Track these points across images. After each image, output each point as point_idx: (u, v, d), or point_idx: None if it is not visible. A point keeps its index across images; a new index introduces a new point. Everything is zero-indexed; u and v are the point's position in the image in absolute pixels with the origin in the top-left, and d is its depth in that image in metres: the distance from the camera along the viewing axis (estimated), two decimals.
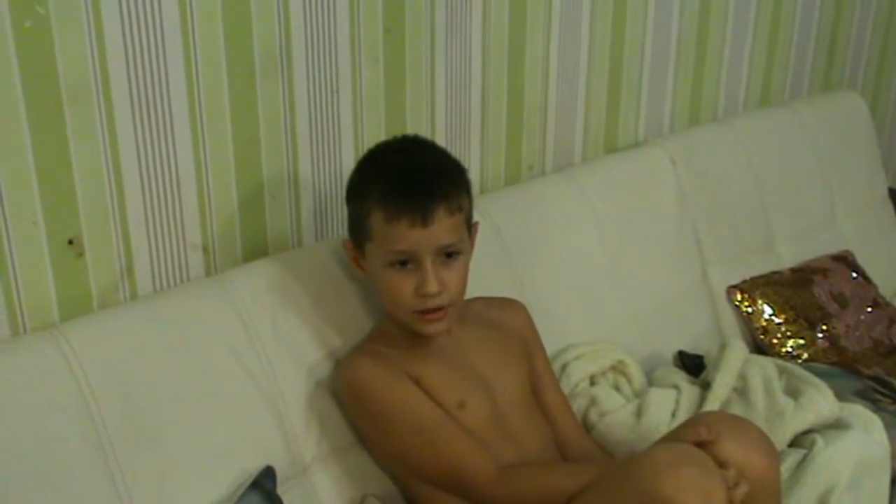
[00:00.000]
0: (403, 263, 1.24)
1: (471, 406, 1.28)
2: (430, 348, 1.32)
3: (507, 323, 1.43)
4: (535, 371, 1.42)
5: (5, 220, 1.19)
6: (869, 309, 1.96)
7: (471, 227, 1.32)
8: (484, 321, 1.40)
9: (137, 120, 1.26)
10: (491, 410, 1.31)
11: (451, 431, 1.25)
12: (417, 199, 1.21)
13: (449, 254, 1.25)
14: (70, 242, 1.25)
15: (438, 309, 1.26)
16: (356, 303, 1.41)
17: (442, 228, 1.23)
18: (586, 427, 1.49)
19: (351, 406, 1.32)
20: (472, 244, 1.32)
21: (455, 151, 1.66)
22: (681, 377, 1.59)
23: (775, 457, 1.20)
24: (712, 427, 1.17)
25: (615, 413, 1.47)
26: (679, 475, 1.06)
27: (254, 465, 1.25)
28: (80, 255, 1.26)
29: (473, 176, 1.73)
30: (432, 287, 1.23)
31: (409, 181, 1.24)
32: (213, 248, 1.40)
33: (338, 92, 1.47)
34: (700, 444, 1.15)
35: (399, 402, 1.26)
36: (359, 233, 1.29)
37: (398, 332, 1.32)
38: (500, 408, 1.32)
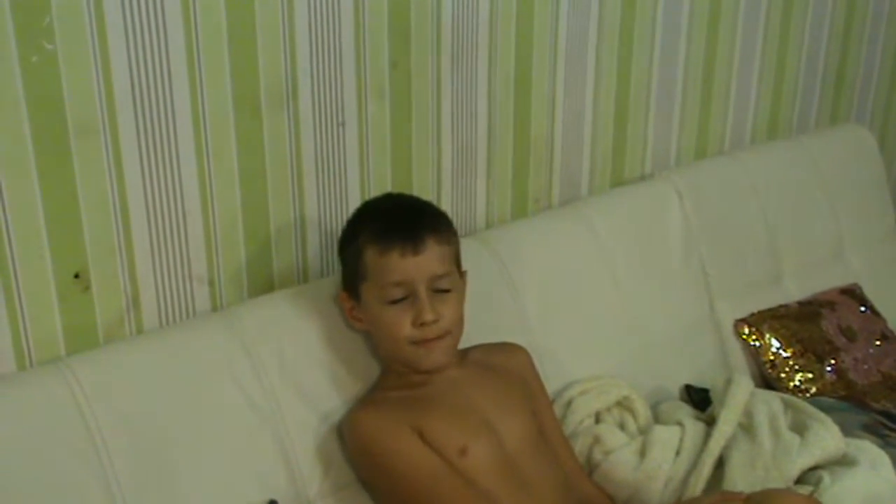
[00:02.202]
0: (399, 301, 1.28)
1: (474, 452, 1.28)
2: (432, 395, 1.33)
3: (509, 366, 1.43)
4: (538, 414, 1.42)
5: (12, 253, 1.19)
6: (877, 342, 1.95)
7: (461, 272, 1.36)
8: (485, 366, 1.41)
9: (144, 154, 1.27)
10: (498, 455, 1.30)
11: (451, 484, 1.25)
12: (407, 230, 1.28)
13: (441, 290, 1.29)
14: (76, 276, 1.25)
15: (437, 338, 1.29)
16: (361, 338, 1.41)
17: (433, 256, 1.28)
18: (590, 466, 1.48)
19: (356, 457, 1.33)
20: (462, 290, 1.35)
21: (461, 185, 1.68)
22: (686, 412, 1.58)
23: None
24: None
25: (619, 452, 1.46)
26: None
27: (259, 500, 1.25)
28: (87, 288, 1.27)
29: (479, 209, 1.74)
30: (428, 315, 1.27)
31: (398, 215, 1.32)
32: (219, 283, 1.40)
33: (343, 125, 1.48)
34: None
35: (400, 456, 1.27)
36: (354, 277, 1.32)
37: (398, 381, 1.34)
38: (508, 452, 1.32)
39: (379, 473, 1.30)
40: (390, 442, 1.27)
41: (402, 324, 1.28)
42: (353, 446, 1.32)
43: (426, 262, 1.27)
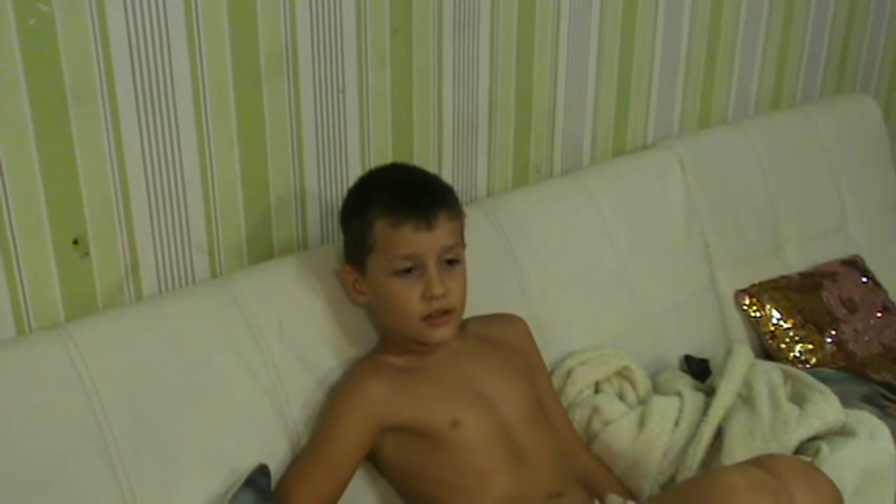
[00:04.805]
0: (408, 272, 1.27)
1: (467, 424, 1.29)
2: (429, 366, 1.33)
3: (507, 338, 1.44)
4: (537, 385, 1.43)
5: (10, 219, 1.19)
6: (878, 314, 1.95)
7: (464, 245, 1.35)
8: (483, 338, 1.41)
9: (142, 119, 1.26)
10: (494, 427, 1.31)
11: (315, 470, 1.26)
12: (421, 205, 1.27)
13: (449, 261, 1.29)
14: (75, 242, 1.25)
15: (444, 313, 1.28)
16: None
17: (444, 231, 1.28)
18: (589, 436, 1.49)
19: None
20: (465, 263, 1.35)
21: (462, 153, 1.68)
22: (685, 383, 1.58)
23: None
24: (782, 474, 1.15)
25: (618, 422, 1.46)
26: (755, 501, 1.05)
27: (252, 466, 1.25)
28: (86, 254, 1.26)
29: (480, 178, 1.73)
30: (438, 288, 1.26)
31: (411, 189, 1.31)
32: (219, 250, 1.40)
33: (344, 92, 1.47)
34: None
35: (334, 422, 1.28)
36: (360, 249, 1.31)
37: (398, 349, 1.34)
38: (505, 424, 1.32)
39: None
40: (345, 410, 1.28)
41: (412, 298, 1.27)
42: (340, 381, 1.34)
43: (438, 237, 1.27)
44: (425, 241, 1.26)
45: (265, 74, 1.37)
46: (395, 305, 1.29)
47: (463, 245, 1.34)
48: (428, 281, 1.26)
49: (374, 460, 1.33)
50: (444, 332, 1.30)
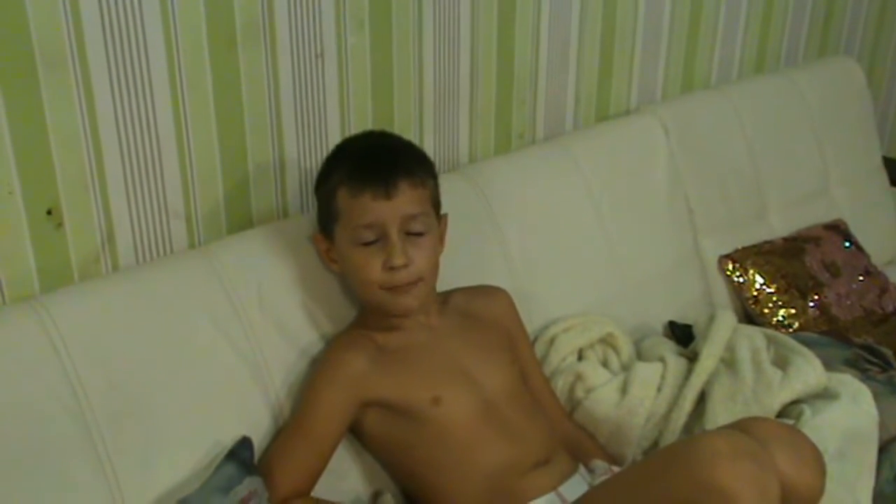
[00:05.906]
0: (370, 243, 1.26)
1: (448, 402, 1.28)
2: (409, 344, 1.32)
3: (490, 313, 1.42)
4: (520, 358, 1.42)
5: None
6: (861, 278, 1.96)
7: (439, 215, 1.34)
8: (466, 313, 1.40)
9: (115, 85, 1.23)
10: (477, 405, 1.30)
11: (297, 444, 1.25)
12: (380, 172, 1.25)
13: (414, 233, 1.27)
14: (49, 213, 1.23)
15: (408, 284, 1.27)
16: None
17: (406, 200, 1.26)
18: (572, 403, 1.49)
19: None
20: (442, 236, 1.34)
21: (444, 119, 1.65)
22: (668, 348, 1.58)
23: (824, 473, 1.18)
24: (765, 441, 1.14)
25: (601, 389, 1.46)
26: (737, 466, 1.03)
27: (233, 438, 1.24)
28: (60, 225, 1.24)
29: (462, 144, 1.71)
30: (398, 259, 1.24)
31: (372, 157, 1.29)
32: (197, 219, 1.38)
33: (322, 57, 1.44)
34: None
35: (314, 395, 1.27)
36: (327, 218, 1.30)
37: (377, 323, 1.33)
38: (490, 401, 1.31)
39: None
40: (325, 383, 1.27)
41: (373, 267, 1.26)
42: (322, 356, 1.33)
43: (398, 205, 1.25)
44: (385, 209, 1.24)
45: (241, 39, 1.34)
46: (358, 275, 1.28)
47: (433, 215, 1.31)
48: (389, 251, 1.25)
49: (358, 435, 1.33)
50: (407, 301, 1.28)
